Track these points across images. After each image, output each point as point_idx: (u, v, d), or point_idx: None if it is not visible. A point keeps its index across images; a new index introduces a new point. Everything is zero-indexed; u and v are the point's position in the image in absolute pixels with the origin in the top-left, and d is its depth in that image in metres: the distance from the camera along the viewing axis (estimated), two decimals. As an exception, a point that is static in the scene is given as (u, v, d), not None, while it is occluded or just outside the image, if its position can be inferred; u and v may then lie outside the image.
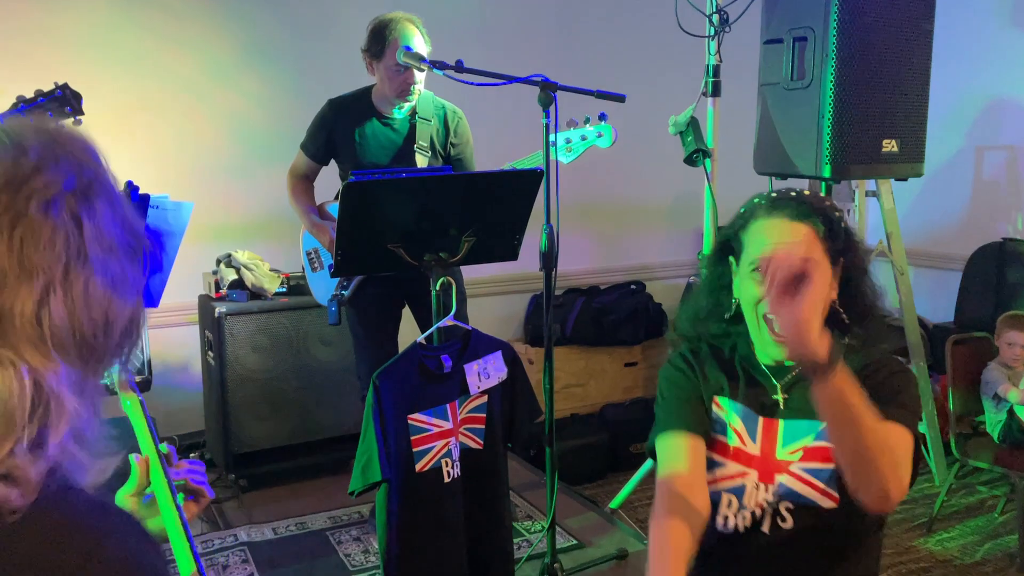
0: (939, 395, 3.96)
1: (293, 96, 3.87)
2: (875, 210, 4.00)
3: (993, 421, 3.56)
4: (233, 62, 3.90)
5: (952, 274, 4.69)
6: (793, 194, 1.50)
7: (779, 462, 1.47)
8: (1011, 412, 3.48)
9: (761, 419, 1.50)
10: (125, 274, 0.75)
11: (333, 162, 3.13)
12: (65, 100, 2.56)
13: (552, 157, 2.49)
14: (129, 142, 3.68)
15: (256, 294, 3.57)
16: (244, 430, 3.52)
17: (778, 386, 1.51)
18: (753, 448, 1.49)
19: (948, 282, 4.71)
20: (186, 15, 3.79)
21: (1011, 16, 4.55)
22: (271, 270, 3.67)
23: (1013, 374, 3.54)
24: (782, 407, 1.50)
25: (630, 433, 4.19)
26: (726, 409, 1.53)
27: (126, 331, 0.76)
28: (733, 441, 1.51)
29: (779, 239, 1.43)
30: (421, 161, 2.97)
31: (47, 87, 2.60)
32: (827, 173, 2.46)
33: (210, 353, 3.58)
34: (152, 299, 2.29)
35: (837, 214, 1.48)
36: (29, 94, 2.58)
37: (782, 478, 1.46)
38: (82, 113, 2.59)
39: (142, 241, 0.79)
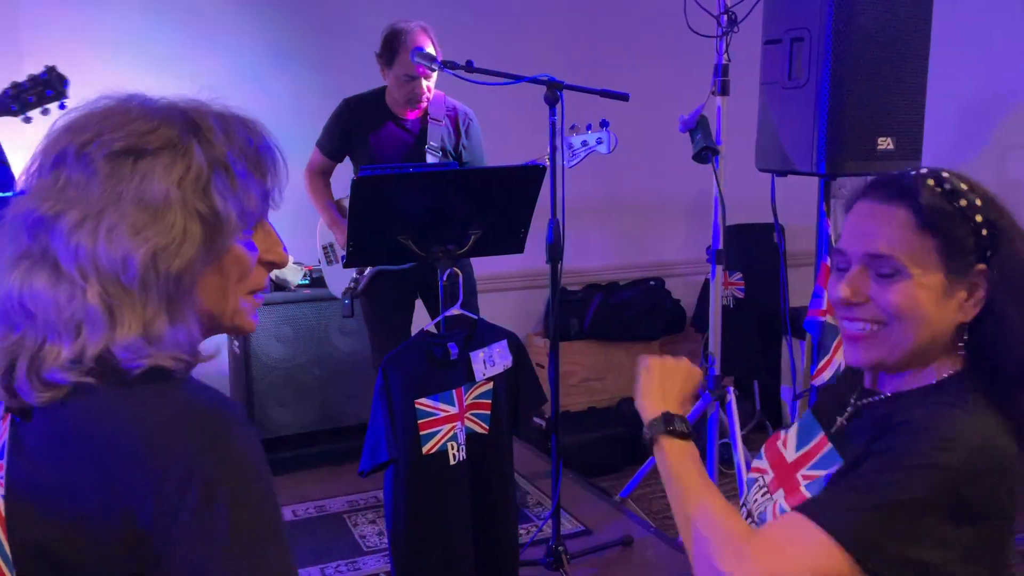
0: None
1: (319, 95, 3.98)
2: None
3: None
4: (261, 63, 4.03)
5: (974, 273, 4.67)
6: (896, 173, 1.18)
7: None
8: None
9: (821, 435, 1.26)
10: (164, 223, 0.87)
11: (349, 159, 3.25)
12: (48, 83, 2.59)
13: (558, 155, 2.58)
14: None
15: (280, 285, 3.71)
16: (268, 417, 3.65)
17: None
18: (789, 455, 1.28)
19: (970, 281, 4.69)
20: (216, 18, 3.93)
21: (1037, 14, 4.52)
22: (294, 263, 3.80)
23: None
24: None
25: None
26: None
27: (152, 268, 0.86)
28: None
29: (858, 227, 1.16)
30: (431, 161, 3.08)
31: (79, 87, 2.72)
32: (823, 169, 2.51)
33: (235, 343, 3.72)
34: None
35: (963, 201, 1.10)
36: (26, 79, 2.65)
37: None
38: (65, 96, 2.60)
39: (213, 205, 0.91)
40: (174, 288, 0.86)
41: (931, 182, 1.12)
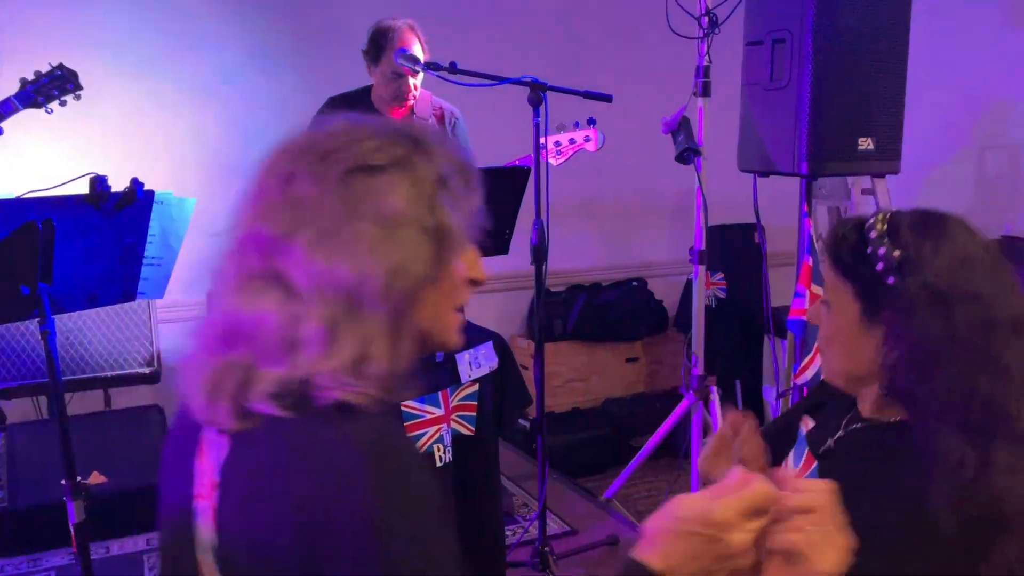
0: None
1: (302, 95, 3.96)
2: (872, 208, 4.05)
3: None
4: (244, 63, 4.01)
5: (953, 272, 4.72)
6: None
7: None
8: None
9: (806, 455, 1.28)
10: (398, 239, 0.87)
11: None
12: (65, 78, 2.74)
13: (541, 156, 2.59)
14: (141, 140, 3.81)
15: (263, 289, 3.68)
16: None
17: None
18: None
19: (949, 280, 4.74)
20: (199, 17, 3.91)
21: (1013, 15, 4.59)
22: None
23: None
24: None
25: (631, 427, 4.26)
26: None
27: (386, 286, 0.86)
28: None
29: None
30: (419, 160, 3.07)
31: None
32: (804, 170, 2.54)
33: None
34: (157, 290, 2.41)
35: (880, 251, 1.11)
36: (30, 76, 2.74)
37: None
38: (81, 88, 2.78)
39: (443, 221, 0.91)
40: (402, 307, 0.87)
41: (862, 226, 1.15)
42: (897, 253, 1.09)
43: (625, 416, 4.34)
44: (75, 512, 2.12)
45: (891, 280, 1.09)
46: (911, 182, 4.34)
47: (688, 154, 2.91)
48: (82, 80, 2.77)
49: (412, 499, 0.83)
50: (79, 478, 2.14)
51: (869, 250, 1.11)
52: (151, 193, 2.20)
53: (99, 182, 2.09)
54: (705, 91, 3.02)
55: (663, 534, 0.84)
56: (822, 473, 1.19)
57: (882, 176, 2.81)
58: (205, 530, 0.87)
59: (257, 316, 0.84)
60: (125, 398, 3.72)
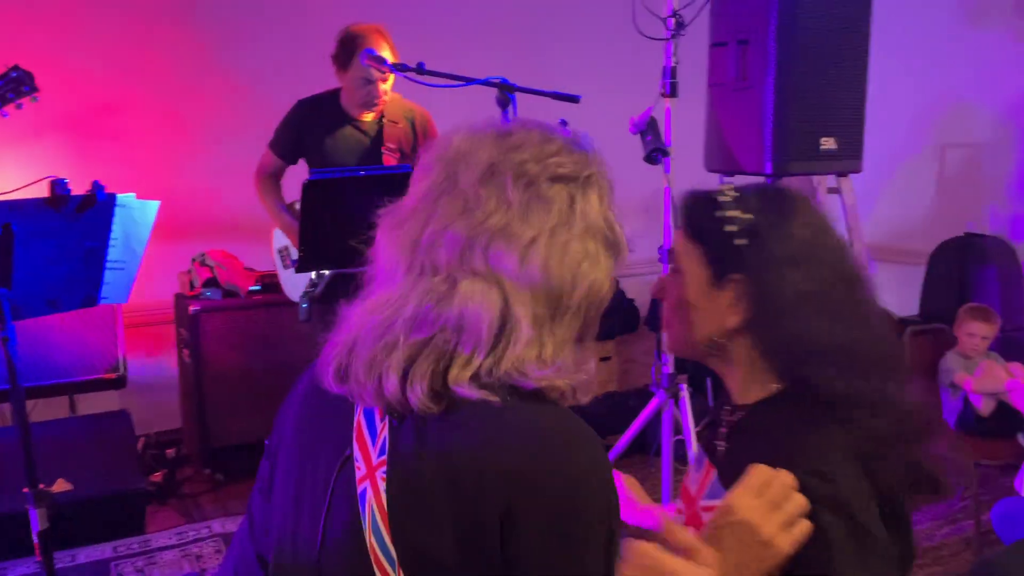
0: (902, 386, 4.06)
1: (266, 96, 3.94)
2: (837, 206, 4.10)
3: (949, 410, 3.66)
4: (206, 63, 3.97)
5: (917, 269, 4.80)
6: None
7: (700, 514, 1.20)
8: (966, 401, 3.58)
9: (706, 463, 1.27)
10: (598, 253, 0.91)
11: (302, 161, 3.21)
12: (20, 80, 2.67)
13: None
14: (103, 142, 3.76)
15: (230, 292, 3.65)
16: (220, 426, 3.60)
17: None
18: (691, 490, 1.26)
19: (914, 277, 4.82)
20: (160, 17, 3.87)
21: (973, 17, 4.67)
22: (245, 268, 3.75)
23: (969, 363, 3.65)
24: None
25: (604, 426, 4.24)
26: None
27: (586, 297, 0.90)
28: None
29: None
30: (390, 163, 3.06)
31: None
32: (768, 169, 2.57)
33: (185, 351, 3.65)
34: (121, 294, 2.38)
35: (727, 214, 1.16)
36: None
37: None
38: (37, 90, 2.70)
39: (619, 238, 0.95)
40: (594, 314, 0.92)
41: (711, 193, 1.21)
42: (747, 216, 1.16)
43: (597, 415, 4.34)
44: (38, 520, 2.08)
45: (743, 241, 1.15)
46: (874, 181, 4.41)
47: (656, 154, 2.93)
48: (40, 82, 2.72)
49: (606, 478, 0.87)
50: (42, 486, 2.11)
51: (719, 213, 1.17)
52: (113, 196, 2.18)
53: (59, 185, 2.07)
54: (672, 92, 3.04)
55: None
56: (721, 477, 1.19)
57: (846, 175, 2.85)
58: (373, 512, 0.87)
59: (470, 309, 0.85)
60: (91, 404, 3.67)
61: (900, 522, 1.09)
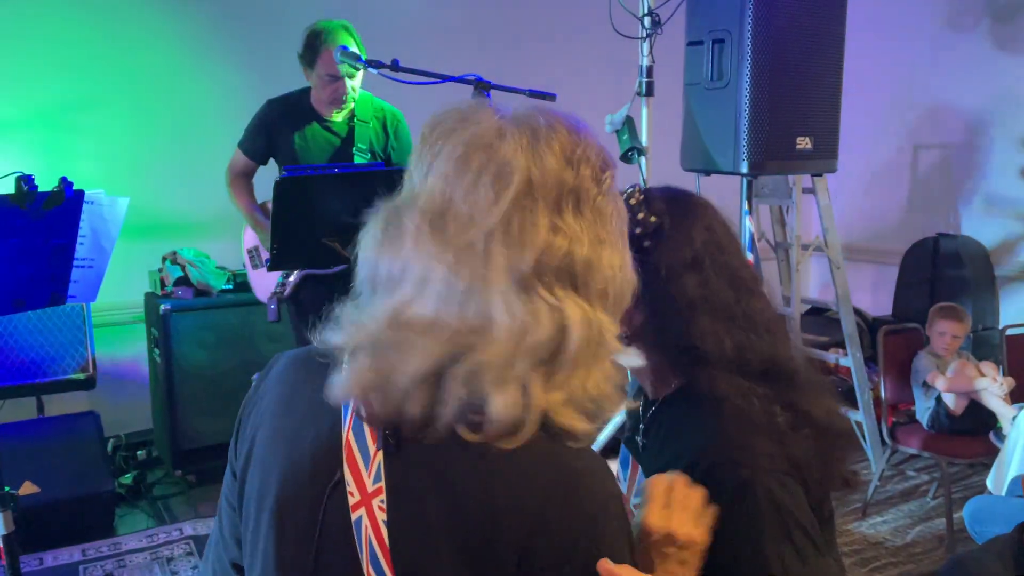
0: (876, 384, 4.10)
1: (238, 94, 3.90)
2: (813, 207, 4.13)
3: (922, 409, 3.69)
4: (178, 61, 3.92)
5: (890, 268, 4.84)
6: None
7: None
8: (939, 400, 3.61)
9: (631, 461, 1.30)
10: (627, 255, 0.89)
11: (273, 161, 3.18)
12: None
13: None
14: (74, 139, 3.70)
15: (202, 291, 3.61)
16: (191, 426, 3.55)
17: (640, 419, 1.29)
18: None
19: (887, 276, 4.86)
20: (131, 14, 3.81)
21: (947, 21, 4.71)
22: (217, 267, 3.70)
23: (941, 363, 3.68)
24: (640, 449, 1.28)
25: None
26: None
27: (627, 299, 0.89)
28: None
29: None
30: (360, 162, 3.03)
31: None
32: (744, 169, 2.57)
33: (156, 350, 3.60)
34: (89, 293, 2.33)
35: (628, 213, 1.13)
36: None
37: None
38: None
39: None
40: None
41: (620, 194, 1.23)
42: (653, 219, 1.17)
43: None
44: (3, 523, 2.04)
45: (647, 244, 1.16)
46: (849, 180, 4.44)
47: (632, 153, 2.93)
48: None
49: (621, 505, 0.86)
50: (7, 488, 2.07)
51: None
52: (81, 193, 2.13)
53: (25, 181, 2.02)
54: (648, 91, 3.04)
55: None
56: (645, 472, 1.21)
57: (821, 175, 2.86)
58: (371, 543, 0.82)
59: (519, 321, 0.79)
60: (59, 405, 3.61)
61: (823, 522, 1.13)
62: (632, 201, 1.18)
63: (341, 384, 0.84)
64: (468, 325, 0.79)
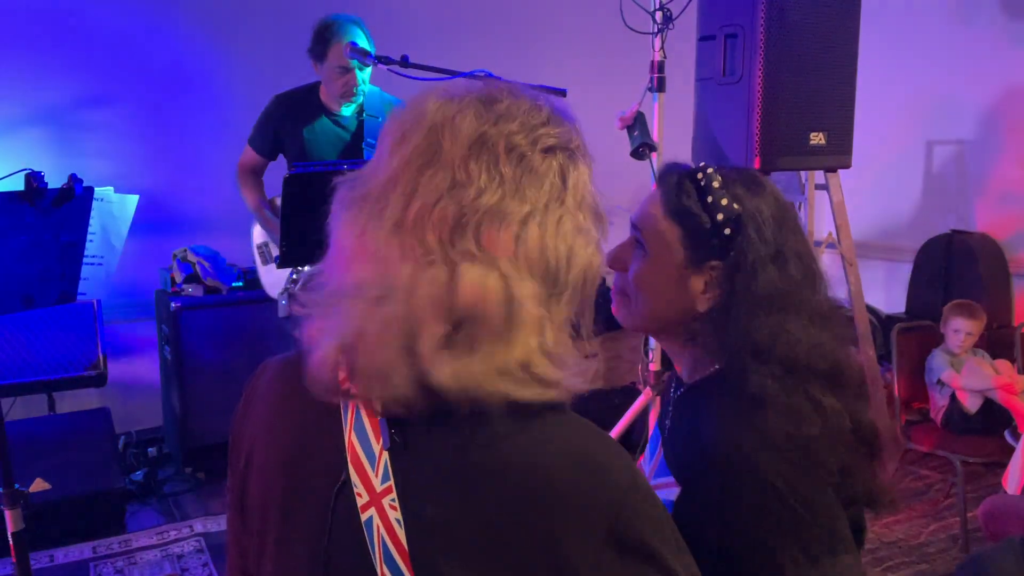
0: (889, 383, 4.07)
1: (248, 90, 3.90)
2: (826, 203, 4.10)
3: (937, 407, 3.66)
4: (187, 58, 3.92)
5: (904, 266, 4.80)
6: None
7: None
8: (953, 398, 3.58)
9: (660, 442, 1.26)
10: (590, 227, 0.85)
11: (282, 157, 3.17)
12: None
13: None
14: (83, 136, 3.70)
15: (212, 288, 3.60)
16: (201, 424, 3.55)
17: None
18: None
19: (900, 273, 4.82)
20: (142, 11, 3.81)
21: (960, 15, 4.67)
22: (227, 264, 3.70)
23: (955, 361, 3.64)
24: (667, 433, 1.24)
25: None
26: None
27: (582, 273, 0.84)
28: None
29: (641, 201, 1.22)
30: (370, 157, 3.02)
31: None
32: (757, 165, 2.54)
33: (167, 347, 3.60)
34: (99, 290, 2.33)
35: (710, 199, 1.13)
36: None
37: None
38: None
39: (603, 211, 0.88)
40: (590, 291, 0.86)
41: (698, 175, 1.17)
42: (736, 207, 1.12)
43: (583, 412, 4.31)
44: (12, 521, 2.04)
45: (728, 231, 1.12)
46: (862, 177, 4.39)
47: (643, 149, 2.90)
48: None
49: (645, 483, 0.85)
50: (18, 485, 2.07)
51: (710, 199, 1.13)
52: (90, 190, 2.13)
53: (35, 178, 2.02)
54: (660, 86, 3.01)
55: None
56: (665, 454, 1.19)
57: (834, 171, 2.83)
58: (384, 542, 0.80)
59: (479, 296, 0.77)
60: (70, 402, 3.62)
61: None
62: (715, 184, 1.14)
63: (320, 371, 0.82)
64: (383, 286, 0.78)
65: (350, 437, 0.84)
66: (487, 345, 0.78)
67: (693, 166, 1.20)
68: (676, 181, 1.17)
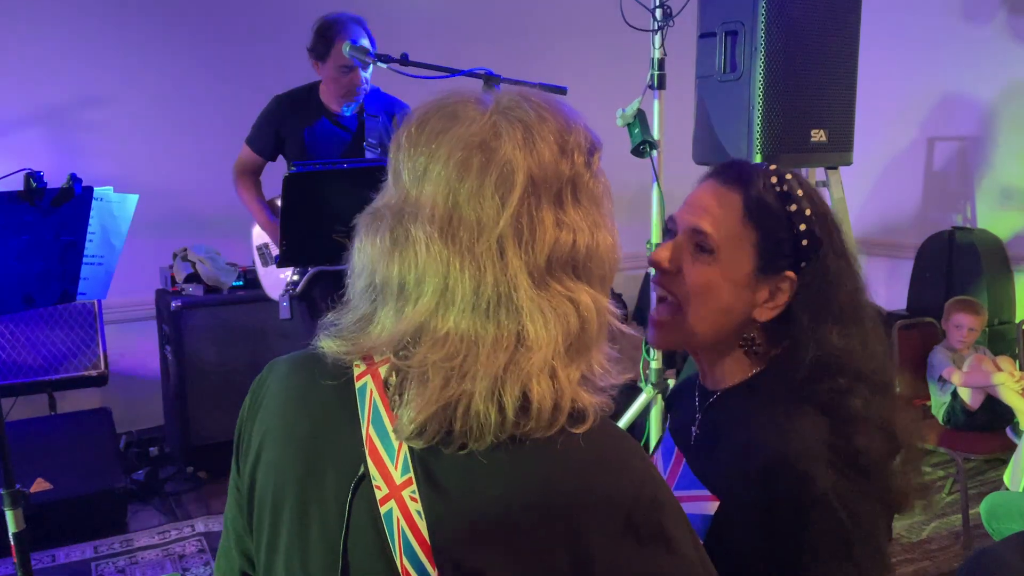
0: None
1: (248, 90, 3.89)
2: (827, 200, 4.10)
3: (938, 404, 3.65)
4: (188, 57, 3.92)
5: (905, 262, 4.79)
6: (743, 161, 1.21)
7: None
8: (955, 394, 3.57)
9: (675, 452, 1.20)
10: (614, 231, 0.88)
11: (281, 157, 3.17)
12: None
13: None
14: (83, 136, 3.70)
15: (213, 288, 3.60)
16: (202, 423, 3.55)
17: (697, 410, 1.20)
18: None
19: (901, 270, 4.81)
20: (143, 12, 3.81)
21: (962, 11, 4.66)
22: (227, 264, 3.70)
23: (957, 357, 3.64)
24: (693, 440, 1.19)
25: (590, 422, 4.25)
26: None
27: (613, 271, 0.88)
28: None
29: (695, 200, 1.14)
30: (371, 157, 3.02)
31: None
32: (758, 162, 2.54)
33: (167, 347, 3.60)
34: (99, 290, 2.33)
35: (793, 206, 1.09)
36: None
37: None
38: None
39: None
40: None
41: (773, 179, 1.11)
42: (814, 218, 1.09)
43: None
44: (13, 521, 2.04)
45: (807, 241, 1.08)
46: (863, 174, 4.39)
47: (644, 147, 2.90)
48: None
49: (662, 479, 0.86)
50: (19, 486, 2.07)
51: (794, 208, 1.09)
52: (90, 189, 2.13)
53: (35, 177, 2.01)
54: (660, 84, 3.00)
55: None
56: (692, 464, 1.14)
57: (835, 168, 2.82)
58: (405, 535, 0.80)
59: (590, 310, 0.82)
60: (71, 402, 3.62)
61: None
62: (799, 192, 1.09)
63: (409, 412, 0.81)
64: (507, 332, 0.79)
65: (368, 430, 0.84)
66: (586, 358, 0.82)
67: (767, 167, 1.14)
68: (761, 182, 1.10)
